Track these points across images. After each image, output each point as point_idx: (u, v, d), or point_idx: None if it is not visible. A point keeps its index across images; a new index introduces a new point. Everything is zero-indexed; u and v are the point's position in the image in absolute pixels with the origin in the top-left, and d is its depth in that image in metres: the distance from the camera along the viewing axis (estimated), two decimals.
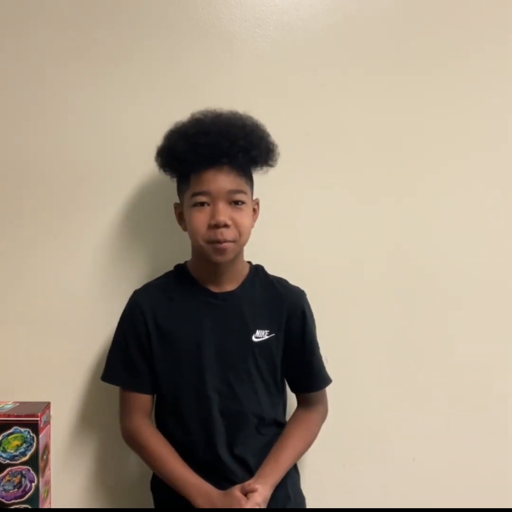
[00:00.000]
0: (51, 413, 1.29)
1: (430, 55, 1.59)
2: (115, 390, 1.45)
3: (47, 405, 1.25)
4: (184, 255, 1.42)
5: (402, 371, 1.57)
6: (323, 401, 1.43)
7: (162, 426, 1.37)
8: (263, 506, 1.23)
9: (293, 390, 1.43)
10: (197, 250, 1.34)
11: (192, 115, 1.32)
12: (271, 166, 1.35)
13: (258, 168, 1.35)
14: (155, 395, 1.37)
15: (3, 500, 1.17)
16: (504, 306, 1.62)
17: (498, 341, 1.62)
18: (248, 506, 1.21)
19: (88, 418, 1.50)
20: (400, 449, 1.57)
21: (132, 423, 1.35)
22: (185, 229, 1.36)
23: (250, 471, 1.33)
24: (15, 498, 1.18)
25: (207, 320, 1.34)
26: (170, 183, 1.39)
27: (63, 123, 1.49)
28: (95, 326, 1.50)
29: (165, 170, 1.36)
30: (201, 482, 1.27)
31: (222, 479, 1.31)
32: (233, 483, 1.29)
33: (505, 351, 1.62)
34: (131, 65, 1.51)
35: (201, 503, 1.25)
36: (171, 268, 1.42)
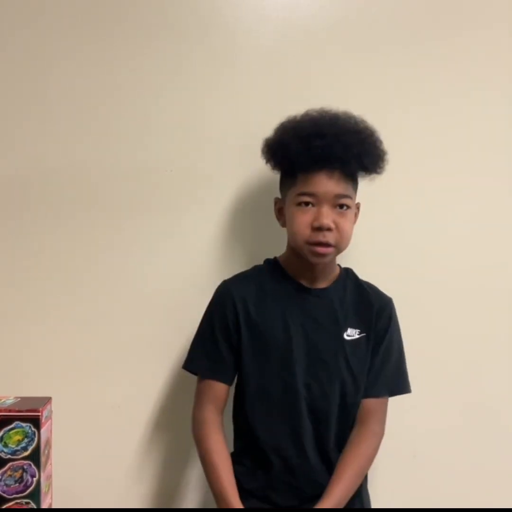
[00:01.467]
0: (52, 408, 1.29)
1: (437, 53, 1.59)
2: (116, 384, 1.46)
3: (48, 400, 1.25)
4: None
5: None
6: (383, 419, 1.40)
7: (242, 419, 1.37)
8: None
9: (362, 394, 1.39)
10: (294, 248, 1.34)
11: (307, 113, 1.31)
12: (379, 173, 1.34)
13: (366, 175, 1.34)
14: (229, 388, 1.37)
15: (5, 495, 1.17)
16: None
17: (502, 339, 1.63)
18: None
19: (89, 413, 1.51)
20: (401, 447, 1.57)
21: (201, 414, 1.35)
22: (283, 225, 1.36)
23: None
24: (17, 492, 1.17)
25: (299, 314, 1.34)
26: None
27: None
28: (96, 321, 1.52)
29: (271, 164, 1.36)
30: (239, 506, 1.26)
31: (307, 479, 1.32)
32: (315, 482, 1.31)
33: (509, 348, 1.63)
34: (131, 64, 1.52)
35: None
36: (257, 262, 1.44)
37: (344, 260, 1.44)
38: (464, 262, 1.62)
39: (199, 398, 1.38)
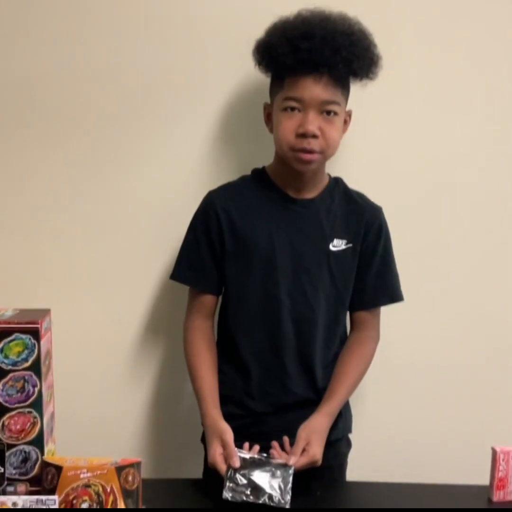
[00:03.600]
0: (52, 320, 1.29)
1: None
2: (114, 295, 1.45)
3: (47, 312, 1.24)
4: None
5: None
6: (377, 327, 1.43)
7: (224, 326, 1.38)
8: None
9: (357, 307, 1.40)
10: (280, 155, 1.31)
11: (299, 13, 1.25)
12: (371, 79, 1.29)
13: (357, 80, 1.29)
14: (219, 298, 1.38)
15: (7, 404, 1.18)
16: None
17: (498, 246, 1.63)
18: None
19: (88, 324, 1.53)
20: (398, 352, 1.59)
21: (189, 322, 1.38)
22: (271, 131, 1.33)
23: (314, 384, 1.35)
24: (19, 402, 1.19)
25: (284, 225, 1.33)
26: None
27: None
28: (93, 233, 1.51)
29: (260, 67, 1.32)
30: (218, 420, 1.26)
31: (284, 388, 1.34)
32: (291, 392, 1.33)
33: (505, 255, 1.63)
34: None
35: (210, 440, 1.25)
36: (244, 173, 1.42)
37: (334, 169, 1.41)
38: (460, 171, 1.59)
39: (188, 306, 1.40)
